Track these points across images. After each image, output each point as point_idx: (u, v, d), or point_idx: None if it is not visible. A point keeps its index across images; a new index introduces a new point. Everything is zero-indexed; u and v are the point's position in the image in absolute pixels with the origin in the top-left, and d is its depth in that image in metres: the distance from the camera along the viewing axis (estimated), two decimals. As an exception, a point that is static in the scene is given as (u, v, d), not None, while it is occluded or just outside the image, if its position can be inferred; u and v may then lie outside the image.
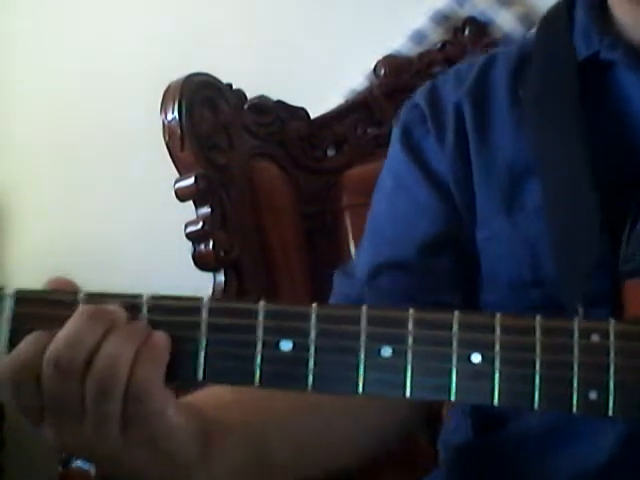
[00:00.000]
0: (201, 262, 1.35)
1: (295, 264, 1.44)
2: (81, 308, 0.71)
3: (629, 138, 0.91)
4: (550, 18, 1.01)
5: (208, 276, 1.36)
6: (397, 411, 0.94)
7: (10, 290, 0.72)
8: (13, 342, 0.72)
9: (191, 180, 1.34)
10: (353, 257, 1.43)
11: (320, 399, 0.87)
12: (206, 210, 1.35)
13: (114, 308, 0.72)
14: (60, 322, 0.71)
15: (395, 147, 1.04)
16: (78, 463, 1.21)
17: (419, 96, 1.05)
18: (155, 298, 0.72)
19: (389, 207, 1.02)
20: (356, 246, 1.45)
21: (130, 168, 1.91)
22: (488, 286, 0.96)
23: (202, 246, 1.35)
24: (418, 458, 1.27)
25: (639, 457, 0.83)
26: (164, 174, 1.38)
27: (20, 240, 2.05)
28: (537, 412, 0.89)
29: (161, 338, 0.72)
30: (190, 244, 1.36)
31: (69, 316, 0.71)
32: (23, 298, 0.72)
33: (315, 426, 0.90)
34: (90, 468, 1.19)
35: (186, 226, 1.36)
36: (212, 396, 0.82)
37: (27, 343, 0.71)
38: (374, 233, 1.03)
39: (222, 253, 1.35)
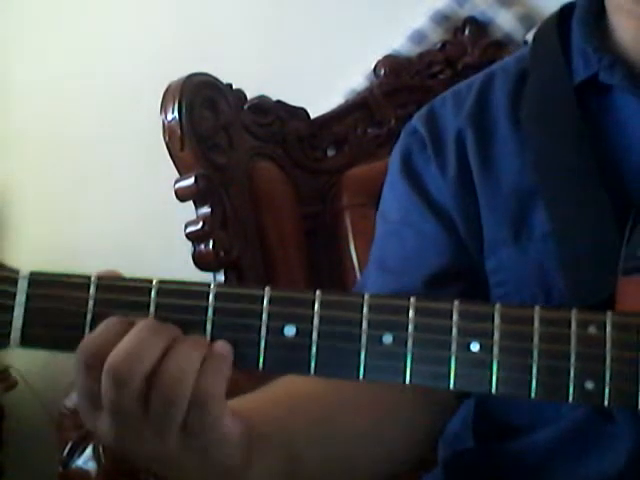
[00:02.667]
0: (201, 262, 1.36)
1: (295, 264, 1.44)
2: (142, 322, 0.72)
3: (625, 161, 0.89)
4: (544, 35, 0.99)
5: (208, 276, 1.36)
6: (428, 411, 0.93)
7: (24, 272, 0.74)
8: (27, 323, 0.73)
9: (191, 180, 1.34)
10: (356, 270, 1.44)
11: (351, 398, 0.87)
12: (206, 210, 1.35)
13: (172, 325, 0.73)
14: (73, 303, 0.73)
15: (396, 176, 1.02)
16: (78, 463, 1.21)
17: (418, 121, 1.03)
18: (164, 282, 0.74)
19: (397, 240, 1.00)
20: (356, 246, 1.45)
21: (130, 168, 1.91)
22: None
23: (202, 246, 1.35)
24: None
25: None
26: (164, 174, 1.39)
27: (20, 240, 2.05)
28: (543, 427, 0.89)
29: (224, 347, 0.72)
30: (190, 244, 1.36)
31: (82, 298, 0.73)
32: (37, 280, 0.74)
33: (346, 427, 0.89)
34: (90, 468, 1.20)
35: (186, 226, 1.36)
36: (270, 394, 0.83)
37: (101, 330, 0.72)
38: (380, 264, 1.01)
39: (222, 253, 1.35)
